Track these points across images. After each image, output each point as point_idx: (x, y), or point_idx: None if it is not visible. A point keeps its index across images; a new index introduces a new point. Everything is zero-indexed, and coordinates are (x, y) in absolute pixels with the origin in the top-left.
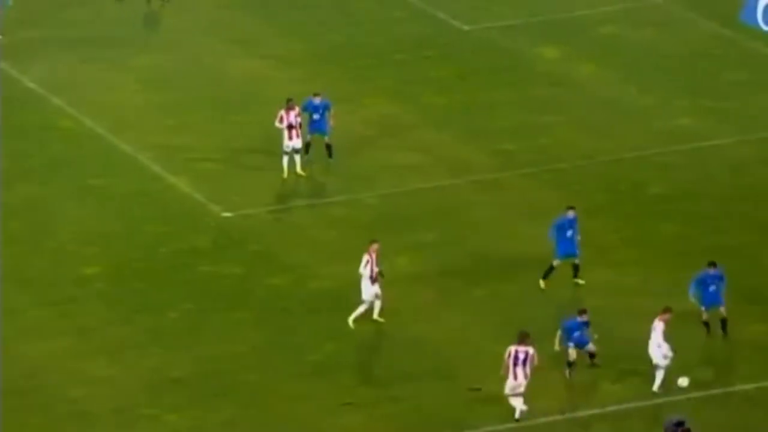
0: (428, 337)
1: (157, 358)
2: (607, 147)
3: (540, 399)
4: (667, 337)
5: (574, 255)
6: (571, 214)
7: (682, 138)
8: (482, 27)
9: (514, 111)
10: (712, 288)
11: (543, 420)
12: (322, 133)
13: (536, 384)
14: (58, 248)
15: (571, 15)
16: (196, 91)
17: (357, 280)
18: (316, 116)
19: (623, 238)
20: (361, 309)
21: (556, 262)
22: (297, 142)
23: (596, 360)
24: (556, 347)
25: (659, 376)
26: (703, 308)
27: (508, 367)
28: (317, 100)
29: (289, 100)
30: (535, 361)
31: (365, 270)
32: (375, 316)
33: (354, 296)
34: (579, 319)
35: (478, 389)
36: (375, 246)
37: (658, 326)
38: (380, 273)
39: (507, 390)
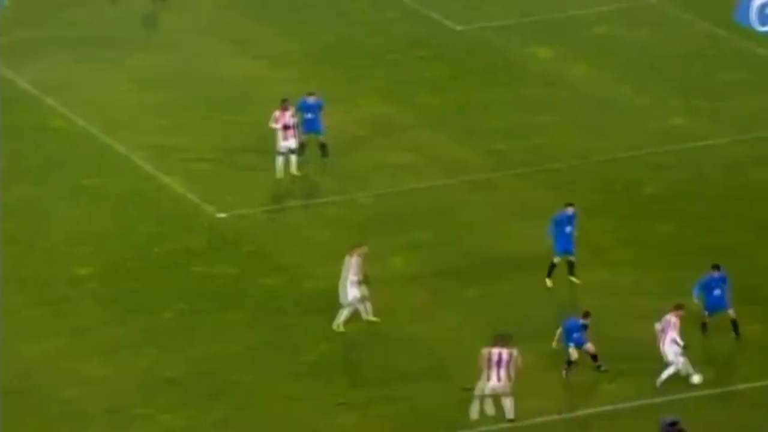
0: (423, 337)
1: (151, 358)
2: (601, 147)
3: (536, 398)
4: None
5: (570, 252)
6: (570, 210)
7: (677, 138)
8: (476, 27)
9: (507, 111)
10: (716, 292)
11: (539, 420)
12: (317, 132)
13: (532, 384)
14: (52, 248)
15: (564, 15)
16: (191, 91)
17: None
18: (309, 116)
19: (618, 238)
20: (346, 313)
21: (556, 260)
22: (293, 142)
23: (600, 363)
24: (554, 345)
25: (668, 372)
26: (706, 312)
27: (482, 369)
28: (311, 100)
29: (284, 101)
30: (519, 363)
31: (351, 273)
32: (369, 317)
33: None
34: (581, 321)
35: (472, 389)
36: (363, 249)
37: (673, 322)
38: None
39: (485, 391)
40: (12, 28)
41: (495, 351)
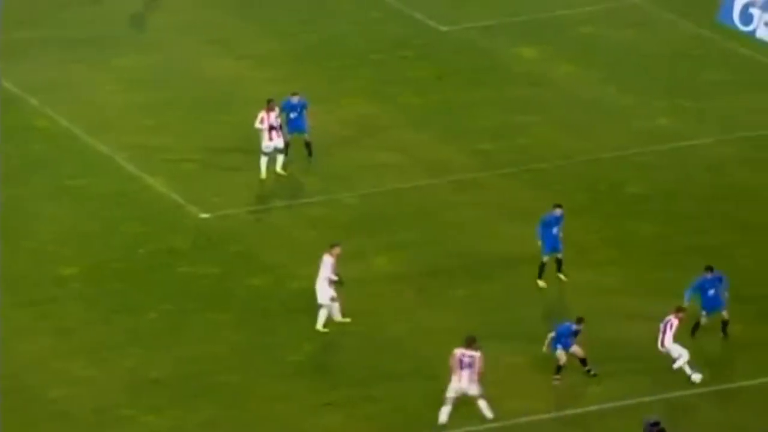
0: (408, 337)
1: (137, 359)
2: (586, 147)
3: (523, 399)
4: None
5: (557, 250)
6: (558, 211)
7: (662, 138)
8: (460, 27)
9: (492, 111)
10: (711, 292)
11: (524, 419)
12: (301, 131)
13: (519, 384)
14: (37, 249)
15: (549, 15)
16: (175, 92)
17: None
18: (293, 115)
19: (603, 238)
20: (325, 313)
21: (545, 259)
22: (279, 142)
23: (590, 367)
24: (545, 349)
25: (681, 362)
26: (703, 312)
27: (453, 369)
28: (295, 99)
29: (269, 101)
30: (480, 367)
31: (328, 272)
32: (338, 317)
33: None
34: (574, 326)
35: None
36: (337, 249)
37: (672, 323)
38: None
39: (451, 392)
40: None
41: (461, 353)
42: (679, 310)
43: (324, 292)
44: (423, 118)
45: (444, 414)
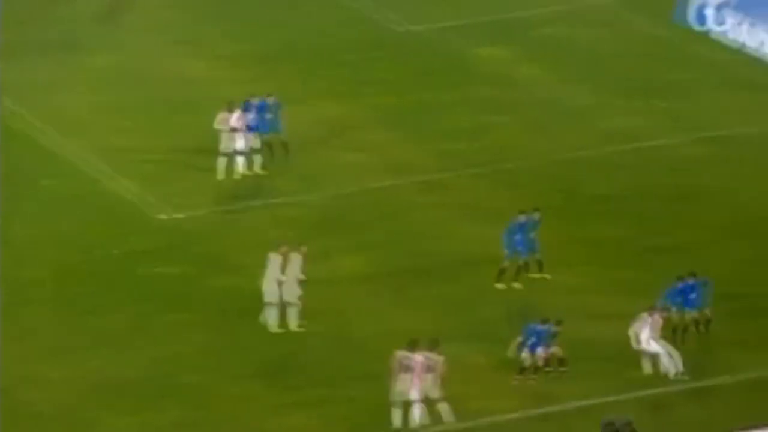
0: (374, 337)
1: (102, 360)
2: (551, 147)
3: (487, 400)
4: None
5: (534, 251)
6: (522, 218)
7: (626, 138)
8: (428, 28)
9: (458, 111)
10: (692, 296)
11: (491, 420)
12: (277, 131)
13: (483, 384)
14: (2, 250)
15: (514, 16)
16: (143, 92)
17: (305, 280)
18: (269, 116)
19: (567, 238)
20: (295, 311)
21: (506, 264)
22: (240, 144)
23: (553, 368)
24: (510, 353)
25: (666, 361)
26: (686, 309)
27: (397, 371)
28: (270, 101)
29: (230, 103)
30: (442, 368)
31: (277, 272)
32: (273, 324)
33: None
34: (550, 328)
35: None
36: (285, 248)
37: (651, 320)
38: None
39: (413, 395)
40: None
41: (409, 355)
42: (651, 308)
43: (273, 292)
44: (391, 118)
45: (416, 415)
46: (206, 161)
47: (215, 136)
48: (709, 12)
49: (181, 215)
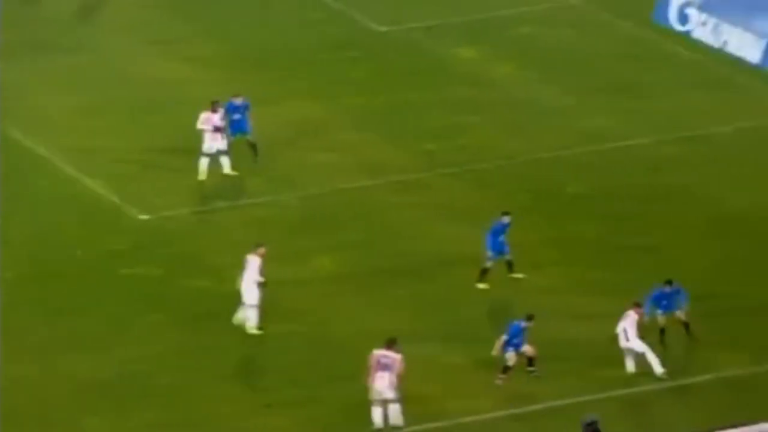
0: (350, 337)
1: (79, 361)
2: (526, 147)
3: (463, 399)
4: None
5: (505, 253)
6: (506, 219)
7: (601, 138)
8: (401, 28)
9: (434, 111)
10: (664, 302)
11: (467, 419)
12: (244, 132)
13: (459, 384)
14: None
15: (489, 15)
16: (115, 93)
17: (279, 281)
18: (237, 116)
19: (543, 239)
20: (255, 314)
21: (489, 264)
22: (222, 144)
23: (535, 368)
24: (495, 352)
25: (651, 359)
26: (658, 312)
27: (370, 372)
28: (238, 101)
29: (214, 102)
30: (400, 369)
31: (255, 274)
32: (252, 327)
33: (276, 297)
34: (524, 323)
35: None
36: (263, 250)
37: (632, 318)
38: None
39: (375, 395)
40: None
41: (380, 354)
42: (636, 305)
43: (251, 293)
44: (365, 118)
45: (377, 416)
46: (183, 161)
47: (191, 136)
48: (692, 12)
49: (158, 216)
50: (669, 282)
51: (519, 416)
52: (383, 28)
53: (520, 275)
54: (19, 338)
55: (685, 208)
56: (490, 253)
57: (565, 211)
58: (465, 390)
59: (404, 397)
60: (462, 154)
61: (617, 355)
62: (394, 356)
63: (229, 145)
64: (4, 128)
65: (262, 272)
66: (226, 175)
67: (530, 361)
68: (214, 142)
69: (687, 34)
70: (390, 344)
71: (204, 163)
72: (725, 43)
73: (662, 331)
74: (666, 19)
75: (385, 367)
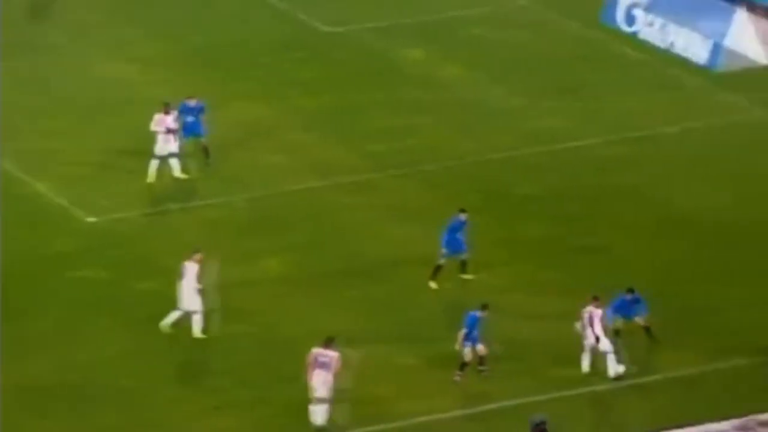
0: (301, 338)
1: (28, 365)
2: (476, 148)
3: (416, 399)
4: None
5: (461, 252)
6: (462, 216)
7: (550, 139)
8: (350, 29)
9: (383, 112)
10: (624, 310)
11: (419, 420)
12: (198, 135)
13: (410, 384)
14: None
15: (438, 17)
16: (63, 95)
17: (230, 282)
18: (190, 119)
19: (493, 239)
20: (199, 320)
21: (443, 261)
22: (174, 146)
23: (486, 366)
24: (457, 346)
25: (611, 360)
26: (618, 317)
27: (308, 370)
28: (192, 103)
29: (166, 104)
30: (337, 367)
31: (194, 281)
32: (197, 332)
33: (227, 298)
34: (479, 314)
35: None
36: (199, 256)
37: (595, 314)
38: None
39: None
40: None
41: (317, 352)
42: (595, 299)
43: (193, 300)
44: (314, 119)
45: (316, 415)
46: (133, 163)
47: (140, 137)
48: (639, 13)
49: (107, 218)
50: (630, 290)
51: (473, 416)
52: (330, 29)
53: (470, 276)
54: None
55: (634, 209)
56: (443, 251)
57: (515, 211)
58: (418, 390)
59: (357, 398)
60: (412, 155)
61: (570, 354)
62: (331, 355)
63: (181, 147)
64: None
65: (199, 279)
66: (177, 178)
67: (481, 360)
68: (166, 144)
69: (634, 34)
70: (328, 343)
71: (154, 165)
72: (672, 43)
73: (617, 332)
74: (614, 20)
75: (323, 366)
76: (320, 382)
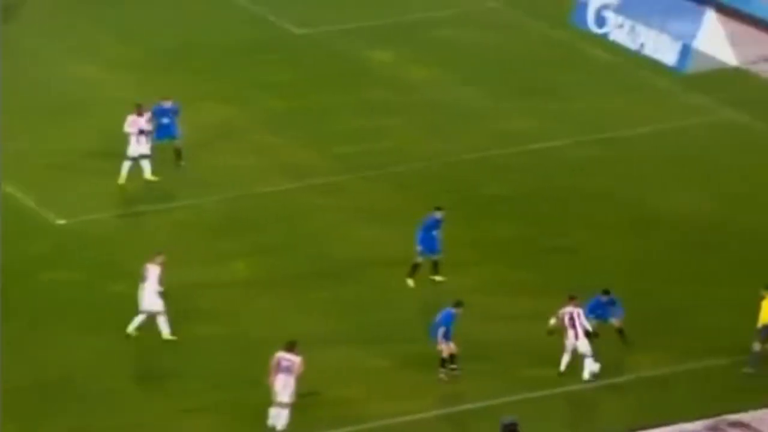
0: (270, 341)
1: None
2: (446, 149)
3: (386, 401)
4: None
5: (435, 252)
6: (438, 214)
7: (520, 139)
8: (318, 31)
9: (352, 114)
10: (599, 311)
11: (390, 421)
12: (172, 137)
13: (381, 386)
14: None
15: (407, 18)
16: (32, 97)
17: (200, 284)
18: (165, 120)
19: (463, 240)
20: (164, 321)
21: (420, 260)
22: (146, 148)
23: (456, 365)
24: (439, 346)
25: (589, 361)
26: (592, 318)
27: (271, 373)
28: (167, 104)
29: (138, 105)
30: (299, 371)
31: (155, 284)
32: (166, 333)
33: (198, 300)
34: (453, 310)
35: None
36: (161, 258)
37: (576, 313)
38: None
39: (273, 396)
40: None
41: (280, 356)
42: (571, 298)
43: (156, 302)
44: (283, 121)
45: (275, 419)
46: (102, 165)
47: (109, 139)
48: (610, 14)
49: (76, 220)
50: (606, 292)
51: (445, 417)
52: (300, 31)
53: (441, 278)
54: None
55: (605, 209)
56: (419, 248)
57: (486, 212)
58: (388, 391)
59: (327, 400)
60: (381, 157)
61: (542, 354)
62: (294, 359)
63: (152, 149)
64: None
65: (161, 281)
66: (148, 180)
67: (452, 358)
68: (138, 146)
69: (604, 36)
70: (290, 347)
71: (126, 166)
72: (642, 45)
73: (593, 334)
74: (584, 21)
75: (286, 370)
76: (282, 386)
